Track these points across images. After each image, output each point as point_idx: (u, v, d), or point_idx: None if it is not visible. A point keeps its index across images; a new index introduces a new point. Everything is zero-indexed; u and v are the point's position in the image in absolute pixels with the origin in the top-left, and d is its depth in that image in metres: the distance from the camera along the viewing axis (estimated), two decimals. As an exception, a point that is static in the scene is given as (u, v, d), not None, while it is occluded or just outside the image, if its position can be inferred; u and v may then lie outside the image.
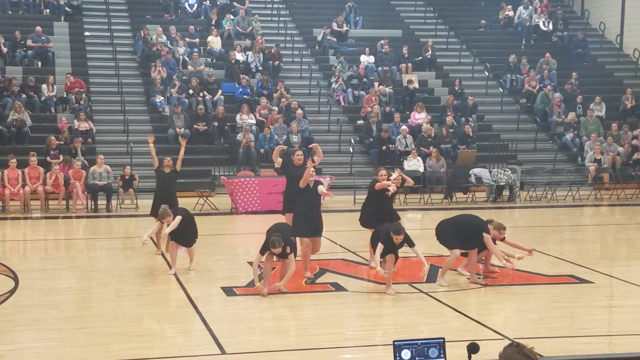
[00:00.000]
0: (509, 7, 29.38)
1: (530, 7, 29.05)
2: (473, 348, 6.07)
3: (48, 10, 26.00)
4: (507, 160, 21.36)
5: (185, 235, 11.21)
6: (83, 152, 19.67)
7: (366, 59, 25.47)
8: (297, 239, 10.58)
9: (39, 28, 23.98)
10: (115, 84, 23.50)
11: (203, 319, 8.80)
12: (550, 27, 28.61)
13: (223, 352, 7.63)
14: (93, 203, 17.85)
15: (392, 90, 24.33)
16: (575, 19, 30.70)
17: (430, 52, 26.28)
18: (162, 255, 12.29)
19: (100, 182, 17.87)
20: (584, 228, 17.38)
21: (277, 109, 22.57)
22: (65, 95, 22.31)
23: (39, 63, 23.88)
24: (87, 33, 25.95)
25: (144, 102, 23.38)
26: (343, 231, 16.04)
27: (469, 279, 10.62)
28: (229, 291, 10.15)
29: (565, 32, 28.63)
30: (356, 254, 12.67)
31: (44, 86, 22.10)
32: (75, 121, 20.89)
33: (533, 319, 9.06)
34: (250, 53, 24.90)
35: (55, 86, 22.31)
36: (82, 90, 22.14)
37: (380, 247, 9.71)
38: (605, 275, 11.19)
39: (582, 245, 14.63)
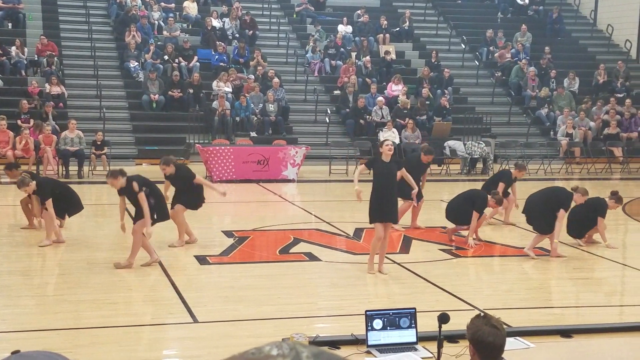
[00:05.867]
0: (487, -21, 29.38)
1: (507, -20, 29.04)
2: (444, 318, 6.15)
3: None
4: (481, 133, 21.45)
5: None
6: (54, 116, 19.41)
7: (344, 29, 25.34)
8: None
9: (10, -11, 23.55)
10: (89, 47, 23.17)
11: (175, 287, 8.78)
12: (527, 1, 28.65)
13: (195, 320, 7.63)
14: (64, 169, 17.67)
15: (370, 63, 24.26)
16: (552, -7, 30.77)
17: (407, 23, 26.20)
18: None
19: (71, 147, 17.68)
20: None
21: (253, 77, 22.41)
22: (36, 59, 21.96)
23: (9, 25, 23.44)
24: (59, -5, 25.50)
25: (118, 67, 23.09)
26: (318, 201, 16.07)
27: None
28: (202, 260, 10.14)
29: (541, 6, 28.68)
30: (330, 224, 12.69)
31: (14, 48, 21.72)
32: (47, 85, 20.59)
33: (504, 290, 9.16)
34: (227, 20, 24.65)
35: (26, 49, 21.94)
36: (54, 53, 21.80)
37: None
38: (574, 248, 11.32)
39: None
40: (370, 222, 9.47)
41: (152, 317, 7.84)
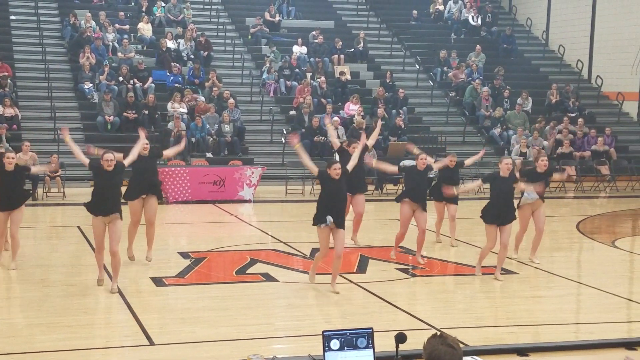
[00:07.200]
0: (440, 0, 29.80)
1: (459, 1, 29.51)
2: (401, 338, 6.18)
3: (-29, -8, 25.19)
4: (436, 152, 21.61)
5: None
6: (8, 138, 19.16)
7: (299, 50, 25.47)
8: None
9: (-39, 10, 23.22)
10: (42, 69, 22.92)
11: (131, 309, 8.69)
12: (479, 22, 29.13)
13: (151, 343, 7.56)
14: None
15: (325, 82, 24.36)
16: (504, 14, 31.34)
17: (362, 44, 26.44)
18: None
19: (25, 169, 17.40)
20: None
21: (204, 98, 22.34)
22: (-11, 80, 21.65)
23: (-38, 46, 23.10)
24: (12, 17, 25.22)
25: (72, 89, 22.87)
26: (274, 222, 16.05)
27: None
28: (158, 281, 10.05)
29: (494, 27, 29.17)
30: (287, 245, 12.69)
31: (-33, 70, 21.40)
32: (0, 107, 20.31)
33: (460, 309, 9.23)
34: (181, 41, 24.61)
35: (-22, 70, 21.62)
36: (7, 75, 21.53)
37: None
38: (529, 266, 11.48)
39: (508, 236, 14.92)
40: (314, 224, 9.54)
41: (108, 340, 7.74)
